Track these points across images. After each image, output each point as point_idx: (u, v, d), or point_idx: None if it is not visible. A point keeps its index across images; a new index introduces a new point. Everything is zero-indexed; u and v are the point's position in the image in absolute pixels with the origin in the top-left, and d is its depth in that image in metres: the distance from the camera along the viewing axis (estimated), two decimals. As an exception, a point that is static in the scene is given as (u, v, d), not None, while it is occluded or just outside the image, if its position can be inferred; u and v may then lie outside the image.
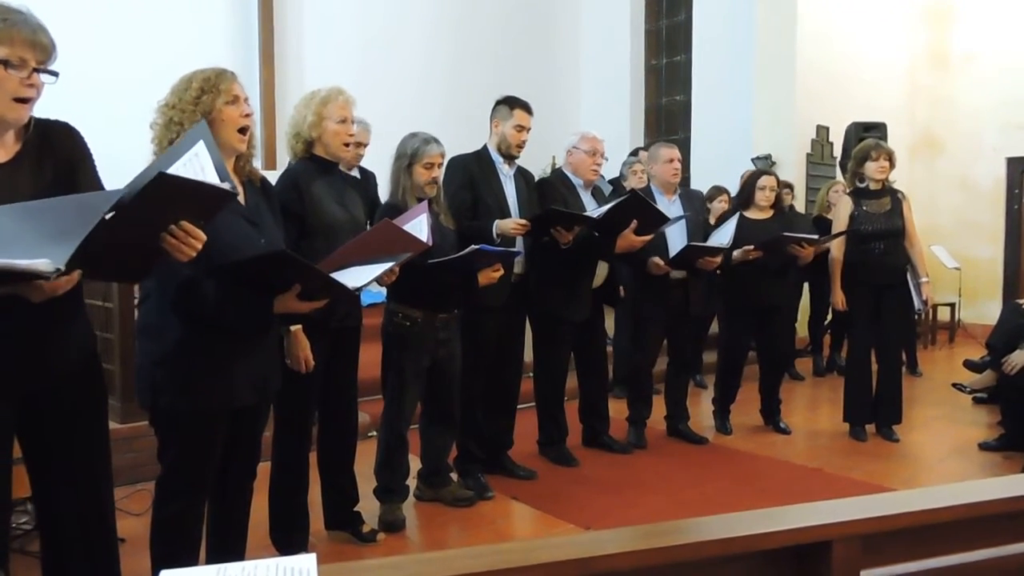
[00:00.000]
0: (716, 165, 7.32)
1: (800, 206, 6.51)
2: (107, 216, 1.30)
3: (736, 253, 4.02)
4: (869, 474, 3.65)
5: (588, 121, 8.31)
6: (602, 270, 3.86)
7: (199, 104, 1.92)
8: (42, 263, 1.22)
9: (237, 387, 1.98)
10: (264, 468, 2.47)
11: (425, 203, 2.67)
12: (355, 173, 3.36)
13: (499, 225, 3.23)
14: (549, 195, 3.59)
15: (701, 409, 4.81)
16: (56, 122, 1.68)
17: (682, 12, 8.50)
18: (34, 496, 1.72)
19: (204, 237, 1.60)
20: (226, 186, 1.56)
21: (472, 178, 3.33)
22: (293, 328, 2.40)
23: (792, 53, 7.09)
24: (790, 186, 5.69)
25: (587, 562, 1.02)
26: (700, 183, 6.52)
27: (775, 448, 4.11)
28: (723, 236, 3.94)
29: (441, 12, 7.82)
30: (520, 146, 3.43)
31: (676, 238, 3.89)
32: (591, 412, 3.98)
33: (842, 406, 4.30)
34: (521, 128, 3.40)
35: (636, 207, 3.45)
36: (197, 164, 1.56)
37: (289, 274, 1.92)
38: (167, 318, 1.91)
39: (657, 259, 3.80)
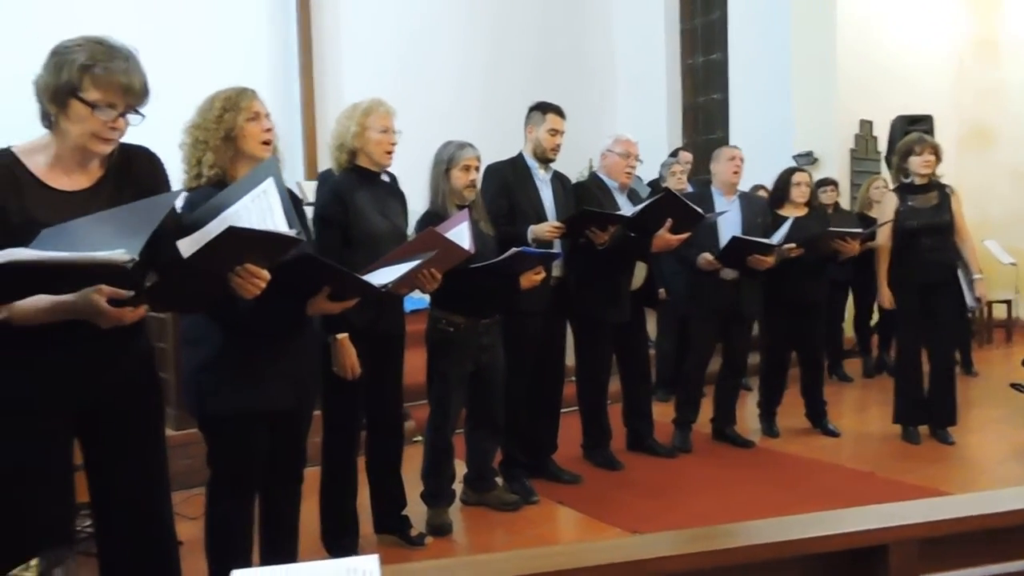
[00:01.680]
0: (756, 164, 7.18)
1: (845, 203, 6.38)
2: (179, 265, 1.36)
3: (777, 251, 3.97)
4: (924, 478, 3.55)
5: (624, 123, 8.28)
6: (640, 272, 3.85)
7: (221, 122, 2.00)
8: (119, 253, 1.29)
9: (276, 391, 2.05)
10: (315, 473, 2.53)
11: (466, 211, 2.71)
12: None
13: (534, 230, 3.25)
14: (585, 199, 3.59)
15: (746, 412, 4.74)
16: (138, 148, 1.74)
17: (716, 10, 8.41)
18: (92, 501, 1.79)
19: (268, 277, 1.67)
20: (292, 232, 1.64)
21: (508, 184, 3.36)
22: (339, 336, 2.45)
23: (832, 45, 6.96)
24: (834, 183, 5.59)
25: (638, 565, 1.02)
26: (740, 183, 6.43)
27: (824, 451, 4.03)
28: (776, 236, 3.89)
29: (475, 20, 7.88)
30: (555, 150, 3.46)
31: (729, 237, 3.82)
32: (635, 415, 3.97)
33: (892, 408, 4.20)
34: (555, 132, 3.42)
35: (671, 206, 3.44)
36: (265, 202, 1.64)
37: (318, 276, 1.99)
38: (208, 326, 1.99)
39: (707, 255, 3.79)
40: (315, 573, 0.83)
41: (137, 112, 1.62)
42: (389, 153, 2.65)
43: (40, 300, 1.50)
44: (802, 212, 4.18)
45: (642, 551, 1.06)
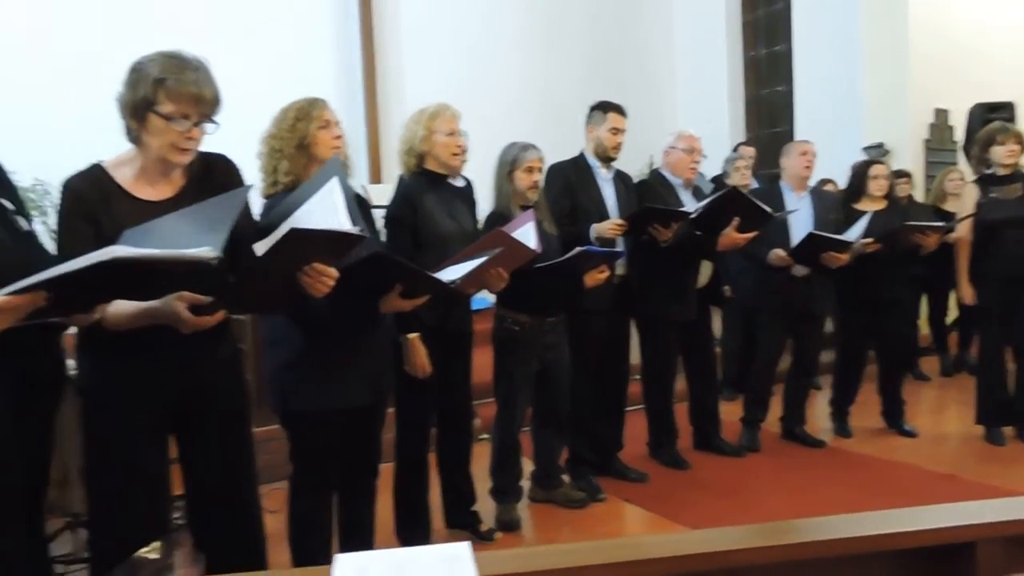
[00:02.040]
0: (823, 157, 6.98)
1: (919, 196, 6.14)
2: (250, 265, 1.43)
3: (853, 247, 3.86)
4: (1010, 481, 3.38)
5: (685, 118, 8.16)
6: (706, 270, 3.82)
7: (295, 131, 2.10)
8: (205, 250, 1.36)
9: (353, 387, 2.14)
10: (388, 469, 2.61)
11: (531, 211, 2.75)
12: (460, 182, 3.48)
13: (596, 228, 3.26)
14: (648, 196, 3.58)
15: (816, 411, 4.63)
16: (216, 155, 1.84)
17: (780, 0, 8.22)
18: (186, 493, 1.90)
19: (335, 274, 1.74)
20: (355, 230, 1.69)
21: (570, 184, 3.38)
22: (410, 336, 2.53)
23: (904, 31, 6.69)
24: (907, 175, 5.39)
25: (710, 557, 1.03)
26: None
27: (900, 452, 3.90)
28: (853, 232, 3.79)
29: (532, 23, 7.91)
30: (616, 148, 3.46)
31: (801, 234, 3.75)
32: (701, 414, 3.93)
33: (974, 408, 4.04)
34: (616, 131, 3.43)
35: (737, 204, 3.39)
36: (330, 202, 1.70)
37: (389, 274, 2.06)
38: (289, 327, 2.09)
39: (779, 251, 3.72)
40: (413, 557, 0.88)
41: (211, 121, 1.70)
42: (456, 155, 2.71)
43: (127, 306, 1.59)
44: (880, 206, 4.04)
45: (714, 544, 1.07)
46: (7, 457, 1.61)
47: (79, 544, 2.52)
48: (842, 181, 5.00)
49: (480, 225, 2.95)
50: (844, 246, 3.67)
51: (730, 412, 4.16)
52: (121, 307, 1.60)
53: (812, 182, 5.21)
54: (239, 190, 1.67)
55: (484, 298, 4.32)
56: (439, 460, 2.91)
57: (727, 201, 3.37)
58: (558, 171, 3.41)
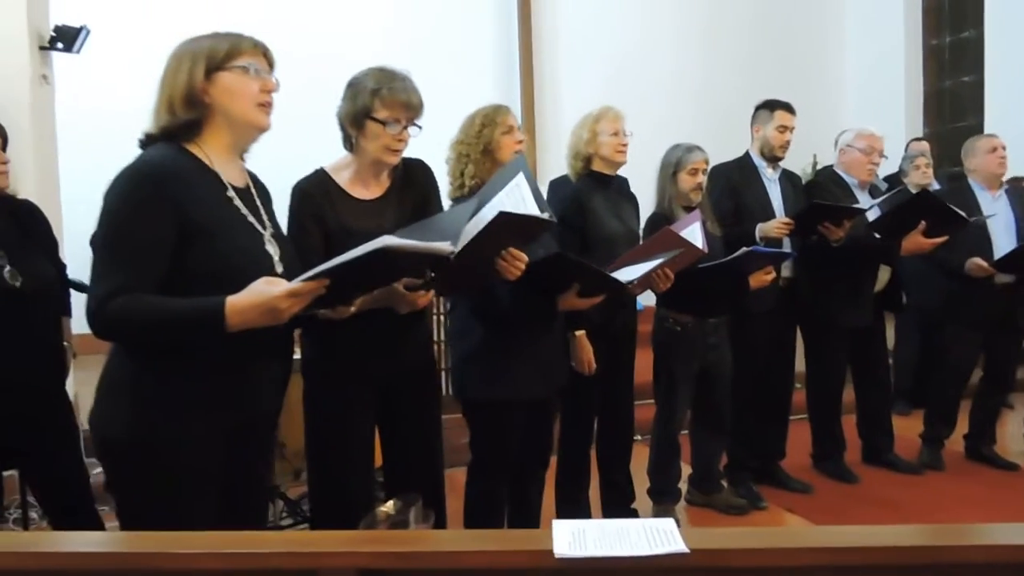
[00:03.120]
0: (1019, 153, 6.35)
1: None
2: (458, 248, 1.57)
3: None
4: None
5: (855, 113, 7.68)
6: (883, 273, 3.59)
7: (481, 137, 2.25)
8: (444, 245, 1.51)
9: (530, 381, 2.26)
10: (551, 462, 2.69)
11: (697, 211, 2.74)
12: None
13: (761, 228, 3.18)
14: (820, 197, 3.41)
15: (1007, 431, 4.22)
16: (415, 160, 2.05)
17: (970, -18, 7.52)
18: (384, 467, 2.10)
19: (526, 259, 1.90)
20: (546, 215, 1.84)
21: (733, 185, 3.33)
22: (578, 333, 2.61)
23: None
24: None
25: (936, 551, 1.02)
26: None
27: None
28: None
29: (689, 22, 7.77)
30: (783, 147, 3.37)
31: (1002, 238, 3.48)
32: (873, 426, 3.71)
33: None
34: (784, 129, 3.34)
35: (925, 206, 3.18)
36: (518, 194, 1.85)
37: (569, 273, 2.16)
38: (471, 321, 2.24)
39: (979, 260, 3.42)
40: (623, 527, 0.95)
41: (416, 125, 1.91)
42: (621, 152, 2.77)
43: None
44: None
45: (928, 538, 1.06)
46: None
47: (277, 513, 2.83)
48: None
49: (641, 226, 2.98)
50: None
51: (903, 427, 3.89)
52: None
53: (1005, 179, 4.78)
54: (464, 208, 1.83)
55: (640, 301, 4.33)
56: (599, 457, 2.97)
57: (915, 203, 3.16)
58: (721, 172, 3.36)
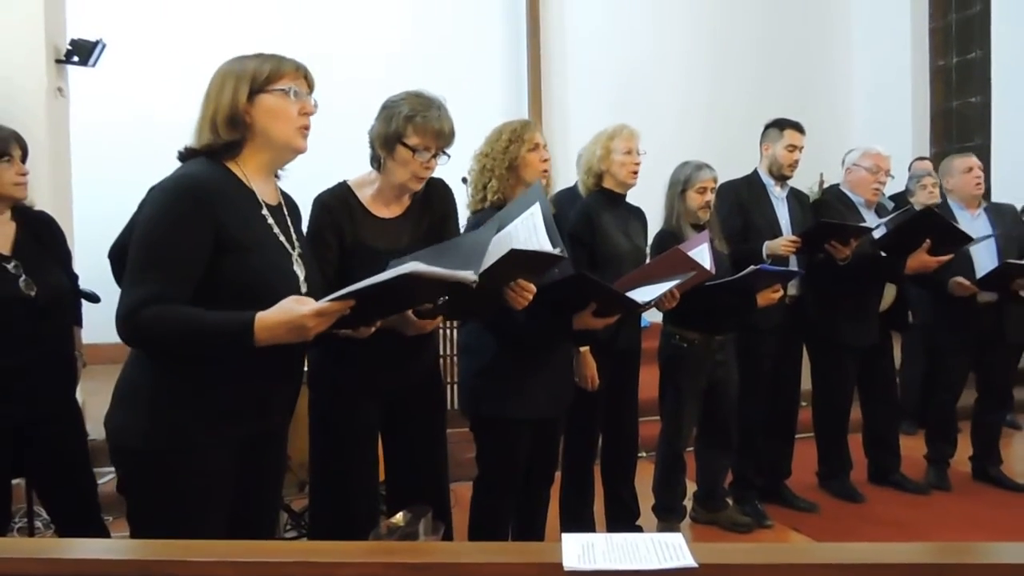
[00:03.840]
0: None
1: None
2: (473, 281, 1.57)
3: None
4: None
5: (862, 133, 7.71)
6: (890, 292, 3.60)
7: (507, 152, 2.24)
8: (468, 273, 1.51)
9: (541, 400, 2.27)
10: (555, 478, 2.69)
11: (706, 232, 2.77)
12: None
13: (769, 246, 3.19)
14: (826, 216, 3.44)
15: (1013, 451, 4.20)
16: (435, 179, 2.04)
17: (977, 4, 7.56)
18: (389, 481, 2.10)
19: (535, 289, 1.90)
20: (557, 251, 1.85)
21: (742, 203, 3.35)
22: (582, 349, 2.62)
23: None
24: None
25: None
26: (1005, 195, 5.71)
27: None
28: None
29: (698, 40, 7.82)
30: (792, 166, 3.40)
31: (983, 256, 3.49)
32: (879, 446, 3.70)
33: None
34: (793, 148, 3.36)
35: (930, 225, 3.19)
36: (531, 223, 1.87)
37: (587, 293, 2.16)
38: (484, 337, 2.25)
39: (961, 279, 3.44)
40: (631, 541, 0.96)
41: (446, 154, 1.90)
42: (634, 173, 2.79)
43: None
44: None
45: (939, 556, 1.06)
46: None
47: (281, 525, 2.83)
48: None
49: (649, 243, 3.00)
50: None
51: (909, 447, 3.88)
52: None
53: (1011, 202, 4.79)
54: (482, 234, 1.81)
55: (645, 317, 4.34)
56: (604, 473, 2.97)
57: (919, 221, 3.17)
58: (729, 189, 3.38)
